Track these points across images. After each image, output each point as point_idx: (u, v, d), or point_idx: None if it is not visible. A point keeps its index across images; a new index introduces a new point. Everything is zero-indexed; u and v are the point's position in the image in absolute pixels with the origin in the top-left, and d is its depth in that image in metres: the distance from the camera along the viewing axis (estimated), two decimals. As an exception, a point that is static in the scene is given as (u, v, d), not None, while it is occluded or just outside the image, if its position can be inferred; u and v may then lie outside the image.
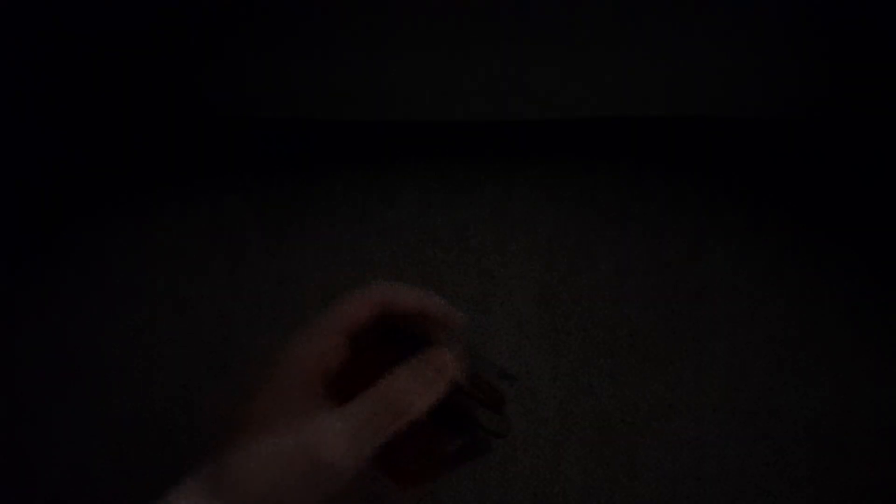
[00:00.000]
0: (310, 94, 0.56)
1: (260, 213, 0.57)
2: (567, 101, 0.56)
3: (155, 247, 0.56)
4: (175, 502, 0.21)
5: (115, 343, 0.51)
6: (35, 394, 0.49)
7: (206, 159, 0.61)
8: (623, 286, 0.52)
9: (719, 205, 0.55)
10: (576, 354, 0.49)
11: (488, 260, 0.54)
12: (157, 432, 0.47)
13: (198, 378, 0.49)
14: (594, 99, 0.55)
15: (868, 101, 0.52)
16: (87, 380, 0.50)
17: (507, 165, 0.58)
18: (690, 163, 0.57)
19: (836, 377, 0.48)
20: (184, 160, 0.61)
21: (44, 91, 0.55)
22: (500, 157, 0.59)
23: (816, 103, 0.54)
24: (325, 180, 0.59)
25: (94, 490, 0.45)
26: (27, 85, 0.54)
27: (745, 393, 0.47)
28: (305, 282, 0.54)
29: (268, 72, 0.52)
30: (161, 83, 0.55)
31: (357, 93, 0.55)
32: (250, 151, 0.61)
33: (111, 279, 0.55)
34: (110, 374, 0.50)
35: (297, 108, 0.59)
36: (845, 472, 0.44)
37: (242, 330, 0.51)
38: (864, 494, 0.43)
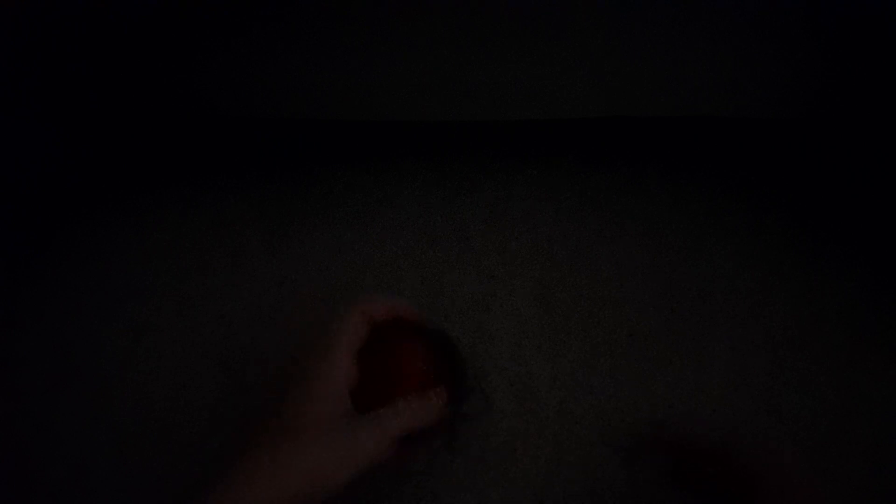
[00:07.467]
0: (310, 94, 0.56)
1: (260, 213, 0.57)
2: (567, 101, 0.55)
3: (155, 247, 0.56)
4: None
5: (115, 343, 0.51)
6: (35, 394, 0.49)
7: (206, 159, 0.61)
8: (623, 286, 0.52)
9: (719, 205, 0.55)
10: (576, 354, 0.49)
11: (488, 260, 0.54)
12: (157, 432, 0.47)
13: (198, 378, 0.49)
14: (594, 99, 0.55)
15: (868, 101, 0.52)
16: (87, 380, 0.50)
17: (507, 165, 0.58)
18: (690, 163, 0.57)
19: (836, 377, 0.47)
20: (184, 160, 0.61)
21: (43, 91, 0.55)
22: (500, 157, 0.59)
23: (816, 103, 0.54)
24: (325, 180, 0.59)
25: (94, 490, 0.45)
26: (27, 85, 0.54)
27: (745, 393, 0.47)
28: (305, 282, 0.54)
29: (268, 72, 0.52)
30: (161, 83, 0.55)
31: (357, 93, 0.55)
32: (250, 151, 0.61)
33: (111, 279, 0.55)
34: (110, 374, 0.50)
35: (297, 108, 0.59)
36: (845, 472, 0.44)
37: (242, 330, 0.51)
38: (864, 494, 0.43)
